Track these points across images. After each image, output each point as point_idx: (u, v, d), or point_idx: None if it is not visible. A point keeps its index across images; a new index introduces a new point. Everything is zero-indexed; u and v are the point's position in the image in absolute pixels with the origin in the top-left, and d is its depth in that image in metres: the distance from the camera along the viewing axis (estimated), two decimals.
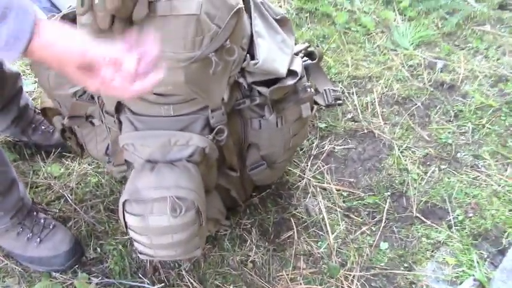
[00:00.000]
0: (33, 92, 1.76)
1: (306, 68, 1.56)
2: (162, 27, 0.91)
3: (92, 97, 1.17)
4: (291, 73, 1.15)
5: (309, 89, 1.23)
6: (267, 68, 1.09)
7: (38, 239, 1.36)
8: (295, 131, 1.29)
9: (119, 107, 1.11)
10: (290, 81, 1.13)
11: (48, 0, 1.96)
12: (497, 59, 1.89)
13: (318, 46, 1.89)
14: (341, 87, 1.80)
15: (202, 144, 1.08)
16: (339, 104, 1.75)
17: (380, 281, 1.39)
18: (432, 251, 1.43)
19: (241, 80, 1.09)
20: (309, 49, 1.61)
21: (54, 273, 1.37)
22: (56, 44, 0.77)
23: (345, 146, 1.66)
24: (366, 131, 1.69)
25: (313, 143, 1.66)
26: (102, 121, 1.22)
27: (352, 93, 1.79)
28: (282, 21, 1.21)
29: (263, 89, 1.11)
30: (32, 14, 0.74)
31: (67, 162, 1.60)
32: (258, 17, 1.13)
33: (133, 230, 1.08)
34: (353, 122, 1.72)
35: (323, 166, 1.61)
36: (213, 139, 1.10)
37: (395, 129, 1.70)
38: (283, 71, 1.11)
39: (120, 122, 1.13)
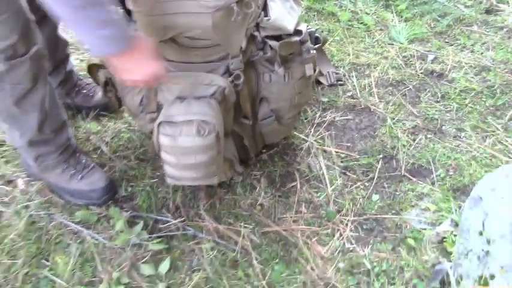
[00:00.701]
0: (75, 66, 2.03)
1: None
2: None
3: None
4: (297, 32, 1.41)
5: (312, 51, 1.49)
6: (277, 24, 1.35)
7: (80, 175, 1.60)
8: (300, 89, 1.54)
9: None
10: (296, 38, 1.39)
11: None
12: (482, 53, 2.14)
13: (322, 32, 2.15)
14: (342, 71, 2.06)
15: (223, 84, 1.33)
16: (340, 84, 2.01)
17: (370, 224, 1.61)
18: (416, 201, 1.65)
19: (256, 33, 1.35)
20: (315, 34, 1.89)
21: (91, 206, 1.61)
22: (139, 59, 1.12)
23: (344, 117, 1.90)
24: (362, 106, 1.94)
25: (316, 114, 1.90)
26: None
27: (352, 77, 2.04)
28: None
29: (273, 43, 1.37)
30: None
31: (103, 122, 1.86)
32: None
33: (165, 150, 1.32)
34: (352, 99, 1.96)
35: (324, 133, 1.85)
36: (231, 82, 1.36)
37: (389, 105, 1.94)
38: (290, 28, 1.37)
39: None
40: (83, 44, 1.07)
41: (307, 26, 1.54)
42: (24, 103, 1.38)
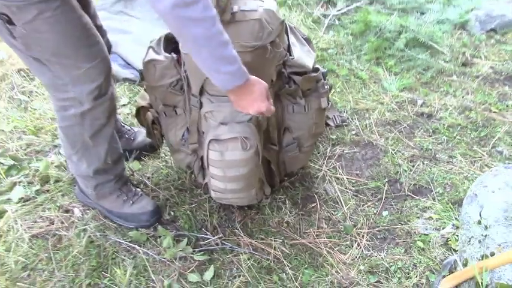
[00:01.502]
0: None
1: None
2: (239, 27, 1.52)
3: (181, 88, 1.75)
4: (315, 70, 1.75)
5: (326, 87, 1.82)
6: (300, 62, 1.68)
7: (131, 201, 1.85)
8: (317, 120, 1.85)
9: (202, 90, 1.68)
10: (314, 73, 1.72)
11: (123, 59, 2.62)
12: (463, 97, 2.49)
13: (327, 80, 2.50)
14: (346, 115, 2.39)
15: None
16: (345, 125, 2.33)
17: (383, 234, 1.86)
18: (421, 213, 1.91)
19: (283, 70, 1.68)
20: None
21: (139, 229, 1.84)
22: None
23: (351, 151, 2.20)
24: (366, 142, 2.24)
25: (327, 148, 2.20)
26: (184, 108, 1.78)
27: (355, 119, 2.37)
28: (307, 40, 1.83)
29: (297, 78, 1.70)
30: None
31: (144, 161, 2.13)
32: (292, 34, 1.75)
33: (213, 165, 1.59)
34: (356, 136, 2.27)
35: (336, 163, 2.13)
36: None
37: (388, 140, 2.25)
38: (310, 65, 1.71)
39: (201, 102, 1.69)
40: (211, 79, 1.38)
41: (322, 68, 1.89)
42: (98, 136, 1.65)
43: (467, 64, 2.72)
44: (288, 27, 1.77)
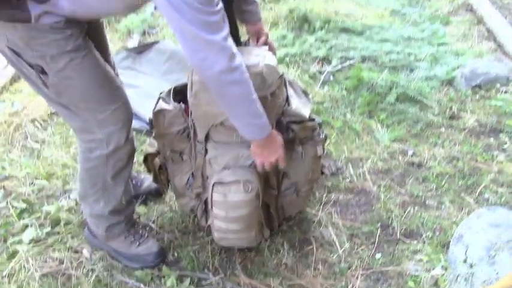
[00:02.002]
0: None
1: None
2: None
3: (188, 135, 1.89)
4: (311, 119, 1.90)
5: (321, 136, 1.97)
6: (297, 112, 1.84)
7: (138, 242, 1.96)
8: (313, 166, 1.98)
9: (207, 137, 1.83)
10: (311, 123, 1.88)
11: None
12: (450, 148, 2.64)
13: (323, 130, 2.65)
14: (340, 164, 2.53)
15: None
16: (340, 173, 2.47)
17: (376, 275, 1.96)
18: (412, 255, 2.01)
19: (281, 118, 1.83)
20: None
21: (145, 268, 1.94)
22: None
23: (346, 197, 2.32)
24: (360, 189, 2.37)
25: (323, 195, 2.33)
26: (190, 155, 1.92)
27: (349, 167, 2.51)
28: (304, 92, 2.00)
29: (295, 126, 1.85)
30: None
31: (149, 205, 2.24)
32: (290, 87, 1.92)
33: (216, 206, 1.71)
34: (350, 183, 2.40)
35: (331, 209, 2.25)
36: None
37: (381, 188, 2.38)
38: (306, 115, 1.86)
39: (206, 149, 1.84)
40: (242, 132, 1.59)
41: (317, 118, 2.04)
42: (118, 177, 1.79)
43: (454, 117, 2.88)
44: (286, 80, 1.94)
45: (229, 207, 1.71)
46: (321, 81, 3.23)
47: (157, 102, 1.90)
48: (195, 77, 1.72)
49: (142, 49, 3.33)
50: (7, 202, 2.23)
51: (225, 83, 1.42)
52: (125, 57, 3.23)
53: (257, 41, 1.95)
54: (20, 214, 2.17)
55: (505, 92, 3.03)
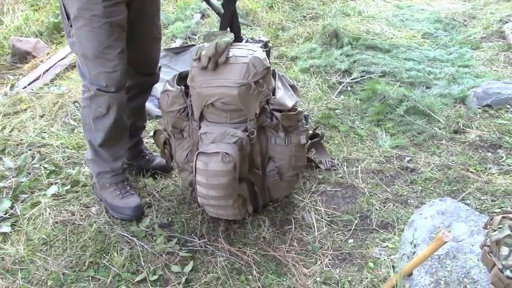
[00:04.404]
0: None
1: (313, 143, 2.58)
2: (231, 67, 1.97)
3: (187, 115, 2.19)
4: (293, 109, 2.14)
5: (305, 126, 2.21)
6: (281, 102, 2.09)
7: (122, 196, 2.27)
8: (296, 153, 2.21)
9: (201, 117, 2.11)
10: (293, 112, 2.12)
11: (158, 101, 3.11)
12: (446, 158, 2.78)
13: (321, 128, 2.87)
14: (337, 161, 2.74)
15: (242, 136, 2.04)
16: (334, 169, 2.68)
17: (344, 256, 2.15)
18: (381, 243, 2.19)
19: (266, 106, 2.09)
20: (316, 131, 2.64)
21: (140, 226, 2.24)
22: None
23: (334, 189, 2.53)
24: (349, 184, 2.57)
25: (313, 185, 2.55)
26: (188, 132, 2.21)
27: (344, 166, 2.71)
28: (293, 87, 2.25)
29: (278, 114, 2.10)
30: None
31: (157, 179, 2.56)
32: (279, 80, 2.18)
33: (199, 173, 1.99)
34: (341, 179, 2.61)
35: (317, 198, 2.47)
36: (248, 136, 2.07)
37: (369, 185, 2.56)
38: (289, 105, 2.11)
39: (200, 126, 2.12)
40: None
41: (304, 111, 2.29)
42: (98, 123, 2.17)
43: (458, 132, 3.01)
44: (276, 74, 2.21)
45: (209, 175, 1.98)
46: (338, 91, 3.45)
47: (164, 85, 2.22)
48: (194, 63, 2.03)
49: (180, 50, 3.71)
50: (40, 164, 2.62)
51: None
52: (163, 56, 3.60)
53: None
54: (49, 174, 2.54)
55: None
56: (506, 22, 4.36)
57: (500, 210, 2.26)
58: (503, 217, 1.38)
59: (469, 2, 5.12)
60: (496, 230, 1.35)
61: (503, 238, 1.33)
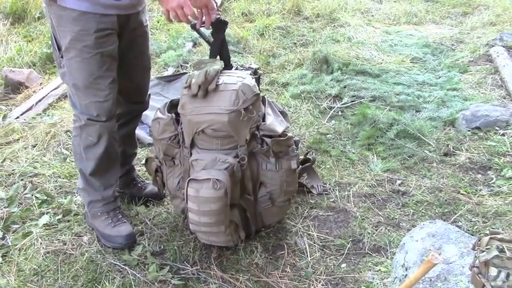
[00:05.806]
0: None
1: (304, 168, 2.60)
2: (220, 94, 2.00)
3: (178, 142, 2.20)
4: (284, 135, 2.17)
5: (296, 151, 2.23)
6: (271, 128, 2.12)
7: (113, 224, 2.27)
8: (287, 178, 2.23)
9: (192, 144, 2.13)
10: (283, 138, 2.14)
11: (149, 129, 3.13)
12: (437, 180, 2.80)
13: (312, 153, 2.89)
14: (329, 186, 2.75)
15: (233, 162, 2.06)
16: (326, 194, 2.69)
17: (337, 280, 2.15)
18: (373, 267, 2.19)
19: (256, 132, 2.11)
20: (308, 155, 2.66)
21: (132, 254, 2.23)
22: None
23: (326, 214, 2.54)
24: (341, 208, 2.58)
25: (305, 210, 2.55)
26: (180, 159, 2.22)
27: (336, 190, 2.72)
28: (283, 113, 2.28)
29: (268, 140, 2.12)
30: None
31: (149, 207, 2.56)
32: (268, 106, 2.21)
33: (190, 200, 2.00)
34: (333, 203, 2.62)
35: (310, 223, 2.47)
36: (238, 162, 2.08)
37: (361, 209, 2.57)
38: (280, 131, 2.14)
39: (191, 153, 2.14)
40: None
41: (294, 136, 2.31)
42: (89, 152, 2.19)
43: (448, 154, 3.04)
44: (266, 100, 2.24)
45: (201, 202, 1.99)
46: (329, 116, 3.49)
47: (155, 112, 2.25)
48: (184, 91, 2.06)
49: (172, 78, 3.75)
50: (32, 194, 2.62)
51: None
52: (155, 84, 3.64)
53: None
54: (41, 204, 2.54)
55: (503, 134, 3.16)
56: (493, 46, 4.43)
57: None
58: (491, 238, 1.39)
59: (456, 27, 5.21)
60: (484, 251, 1.36)
61: (491, 259, 1.33)
